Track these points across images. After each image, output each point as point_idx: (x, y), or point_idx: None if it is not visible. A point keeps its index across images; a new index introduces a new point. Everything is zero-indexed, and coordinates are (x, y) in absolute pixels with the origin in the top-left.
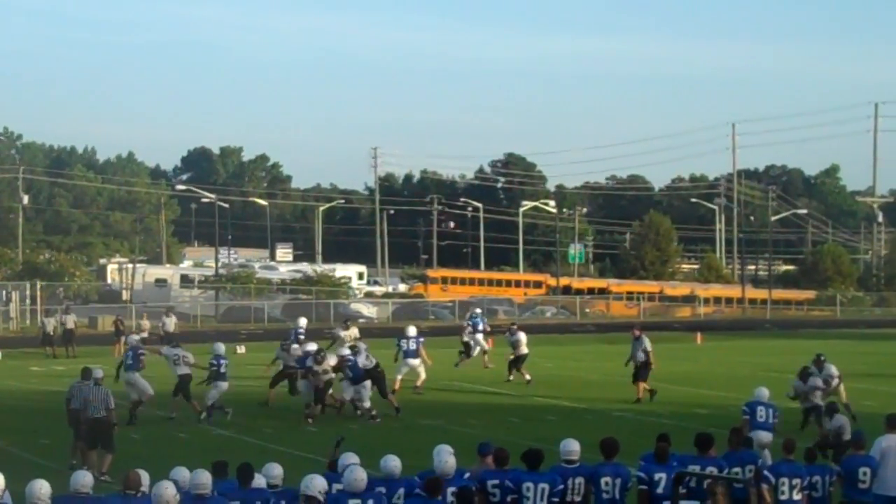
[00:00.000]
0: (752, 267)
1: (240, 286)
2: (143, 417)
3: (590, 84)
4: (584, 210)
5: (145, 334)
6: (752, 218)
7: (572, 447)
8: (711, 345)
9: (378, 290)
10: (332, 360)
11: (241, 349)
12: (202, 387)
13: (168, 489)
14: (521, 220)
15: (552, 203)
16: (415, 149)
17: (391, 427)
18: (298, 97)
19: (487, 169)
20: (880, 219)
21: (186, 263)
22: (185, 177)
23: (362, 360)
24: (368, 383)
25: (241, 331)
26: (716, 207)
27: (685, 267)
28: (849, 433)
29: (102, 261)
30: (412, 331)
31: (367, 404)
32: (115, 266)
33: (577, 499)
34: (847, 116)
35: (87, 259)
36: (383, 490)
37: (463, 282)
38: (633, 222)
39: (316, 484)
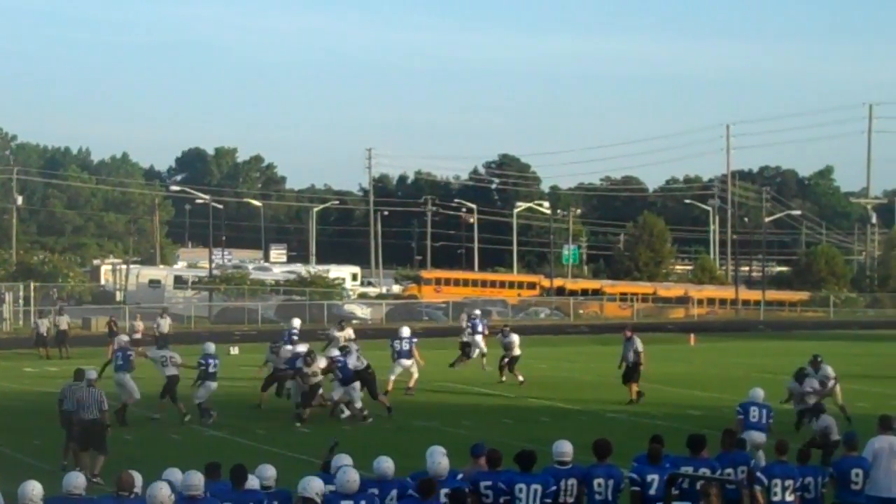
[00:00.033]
0: (746, 268)
1: (234, 287)
2: (135, 419)
3: (584, 85)
4: (578, 211)
5: (139, 335)
6: (745, 219)
7: (565, 448)
8: (705, 346)
9: (372, 291)
10: (321, 363)
11: (234, 350)
12: (191, 388)
13: (162, 490)
14: (515, 221)
15: (546, 204)
16: (409, 150)
17: (384, 428)
18: (293, 98)
19: (482, 170)
20: (874, 220)
21: (180, 264)
22: (179, 178)
23: (353, 361)
24: (358, 384)
25: (235, 332)
26: (710, 208)
27: (679, 268)
28: (836, 433)
29: (96, 262)
30: (406, 331)
31: (359, 405)
32: (109, 267)
33: (570, 500)
34: (841, 118)
35: (81, 260)
36: (376, 491)
37: (457, 283)
38: (627, 223)
39: (313, 486)
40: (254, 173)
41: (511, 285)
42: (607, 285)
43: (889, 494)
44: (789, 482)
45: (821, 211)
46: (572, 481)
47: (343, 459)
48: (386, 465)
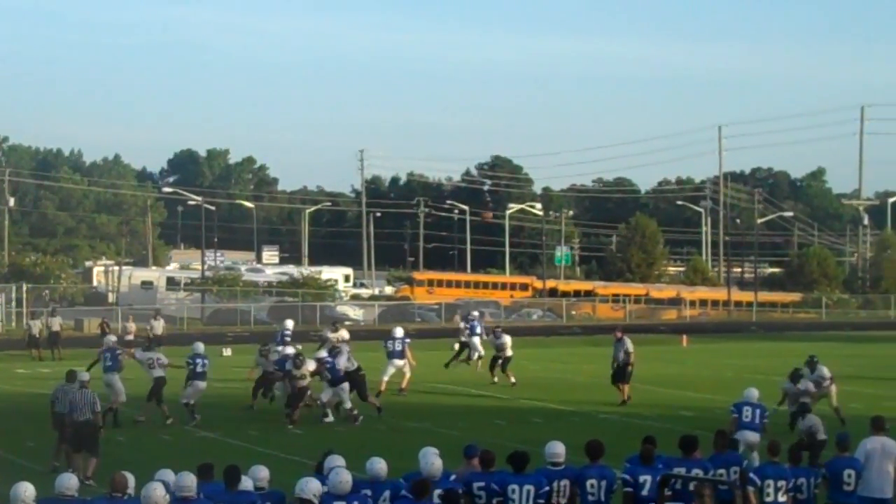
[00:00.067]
0: (738, 269)
1: (226, 289)
2: (128, 420)
3: (576, 86)
4: (571, 213)
5: (131, 336)
6: (738, 220)
7: (557, 450)
8: (697, 347)
9: (364, 292)
10: (311, 366)
11: (227, 352)
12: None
13: (157, 490)
14: (507, 222)
15: (538, 205)
16: (401, 151)
17: (377, 429)
18: (285, 99)
19: (474, 171)
20: (866, 221)
21: (173, 266)
22: (171, 179)
23: (343, 362)
24: (347, 385)
25: (228, 333)
26: (702, 210)
27: (671, 269)
28: (822, 433)
29: (88, 263)
30: (399, 332)
31: (348, 405)
32: (101, 268)
33: (563, 501)
34: (833, 119)
35: (73, 261)
36: (369, 492)
37: (449, 284)
38: (620, 225)
39: (311, 487)
40: (246, 175)
41: (503, 287)
42: (600, 287)
43: (881, 495)
44: (782, 483)
45: (813, 212)
46: (565, 482)
47: (336, 460)
48: (379, 466)
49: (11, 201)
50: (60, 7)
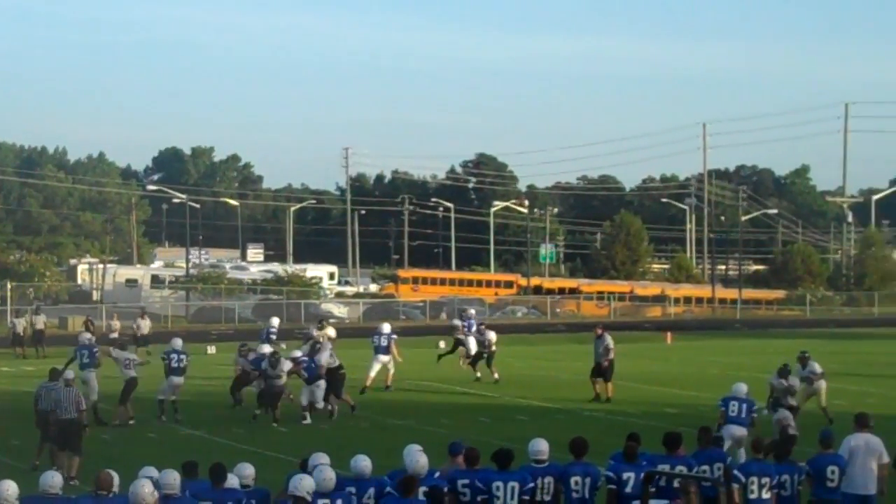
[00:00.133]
0: (723, 267)
1: (211, 286)
2: (109, 418)
3: (561, 84)
4: (555, 210)
5: (116, 335)
6: (722, 218)
7: (540, 447)
8: (681, 344)
9: (349, 290)
10: (286, 365)
11: (211, 349)
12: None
13: (145, 487)
14: (492, 220)
15: (524, 203)
16: (386, 149)
17: (361, 427)
18: (270, 97)
19: (459, 169)
20: (850, 219)
21: (157, 264)
22: (156, 177)
23: (326, 358)
24: (323, 383)
25: (212, 331)
26: (686, 207)
27: (656, 267)
28: (794, 427)
29: (73, 261)
30: (386, 328)
31: (320, 405)
32: (86, 266)
33: (547, 498)
34: (817, 117)
35: (58, 259)
36: (353, 490)
37: (434, 282)
38: (604, 222)
39: (304, 484)
40: (231, 173)
41: (488, 284)
42: (584, 284)
43: (865, 492)
44: (766, 480)
45: (797, 210)
46: (549, 479)
47: (320, 458)
48: (363, 463)
49: None
50: (44, 5)
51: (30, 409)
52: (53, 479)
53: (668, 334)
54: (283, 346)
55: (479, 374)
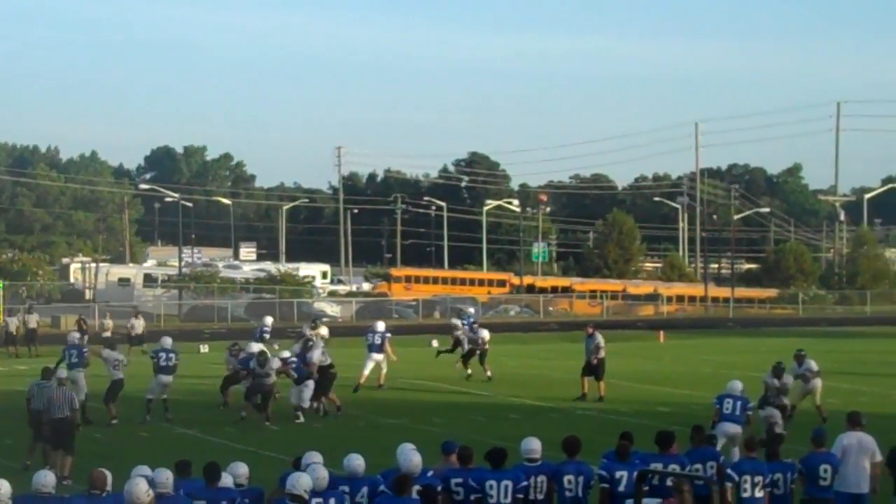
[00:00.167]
0: (715, 265)
1: (203, 285)
2: (101, 417)
3: (553, 83)
4: (548, 209)
5: (109, 334)
6: (714, 216)
7: (533, 446)
8: (674, 343)
9: (342, 289)
10: (275, 364)
11: (204, 348)
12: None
13: (140, 486)
14: (484, 219)
15: (516, 202)
16: (379, 148)
17: (354, 426)
18: (262, 96)
19: (451, 168)
20: (842, 217)
21: (150, 263)
22: (148, 176)
23: (318, 355)
24: (311, 383)
25: (205, 330)
26: (679, 206)
27: (648, 265)
28: (780, 426)
29: (65, 260)
30: (380, 326)
31: (307, 404)
32: (78, 265)
33: (540, 497)
34: (809, 116)
35: (50, 258)
36: (346, 489)
37: (426, 280)
38: (597, 221)
39: (302, 482)
40: (223, 171)
41: (481, 283)
42: (577, 283)
43: (857, 490)
44: (759, 478)
45: (789, 208)
46: (542, 478)
47: (313, 457)
48: (356, 462)
49: None
50: (36, 4)
51: (22, 409)
52: (46, 479)
53: (661, 333)
54: (276, 346)
55: (469, 372)
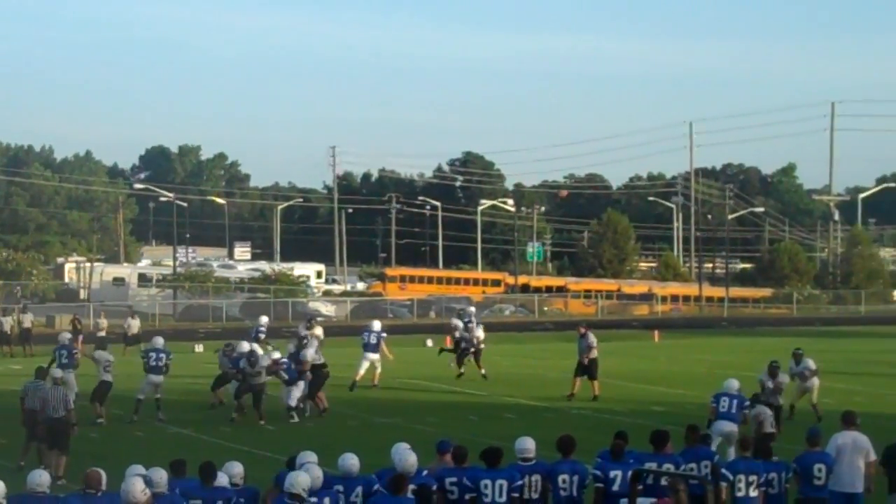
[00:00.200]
0: (710, 265)
1: (198, 285)
2: (90, 417)
3: (548, 83)
4: (542, 209)
5: (103, 333)
6: (709, 216)
7: (527, 445)
8: (669, 342)
9: (336, 288)
10: (264, 362)
11: (199, 348)
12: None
13: (136, 484)
14: (479, 218)
15: (510, 202)
16: (373, 148)
17: (349, 425)
18: (257, 96)
19: (446, 168)
20: (836, 217)
21: (144, 262)
22: (142, 175)
23: (311, 354)
24: (302, 383)
25: (200, 329)
26: (673, 206)
27: (643, 265)
28: (769, 425)
29: (60, 260)
30: (376, 325)
31: (293, 403)
32: (73, 265)
33: (535, 496)
34: (804, 115)
35: (45, 258)
36: (341, 488)
37: (421, 280)
38: (591, 221)
39: (300, 481)
40: (218, 171)
41: (475, 283)
42: (571, 282)
43: (852, 490)
44: (753, 478)
45: (784, 208)
46: (536, 477)
47: (307, 456)
48: (351, 462)
49: None
50: (31, 4)
51: (17, 408)
52: (41, 478)
53: (656, 332)
54: (270, 347)
55: (462, 371)
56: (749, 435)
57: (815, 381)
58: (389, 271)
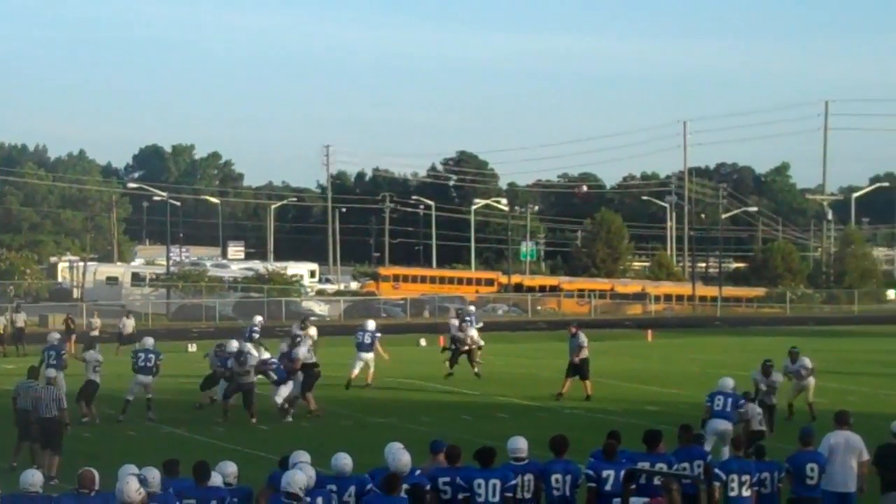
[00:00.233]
0: (703, 264)
1: (191, 284)
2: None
3: (542, 82)
4: (536, 208)
5: (96, 332)
6: (702, 215)
7: (519, 445)
8: (662, 342)
9: (330, 288)
10: (252, 361)
11: (192, 347)
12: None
13: (131, 484)
14: (472, 217)
15: (504, 201)
16: (367, 147)
17: (342, 425)
18: (251, 95)
19: (439, 167)
20: (830, 216)
21: (138, 261)
22: (136, 175)
23: (303, 352)
24: (291, 383)
25: (193, 329)
26: (667, 205)
27: (636, 264)
28: (758, 423)
29: (53, 259)
30: (371, 325)
31: (280, 400)
32: (66, 264)
33: (528, 496)
34: (797, 115)
35: (38, 257)
36: (334, 488)
37: (415, 279)
38: (585, 220)
39: (297, 480)
40: (211, 170)
41: (469, 282)
42: (565, 282)
43: (845, 489)
44: (746, 477)
45: (777, 207)
46: (529, 477)
47: (300, 456)
48: (344, 461)
49: None
50: (24, 3)
51: (9, 408)
52: (34, 478)
53: (649, 332)
54: (262, 347)
55: (451, 372)
56: (742, 435)
57: (812, 380)
58: (383, 270)
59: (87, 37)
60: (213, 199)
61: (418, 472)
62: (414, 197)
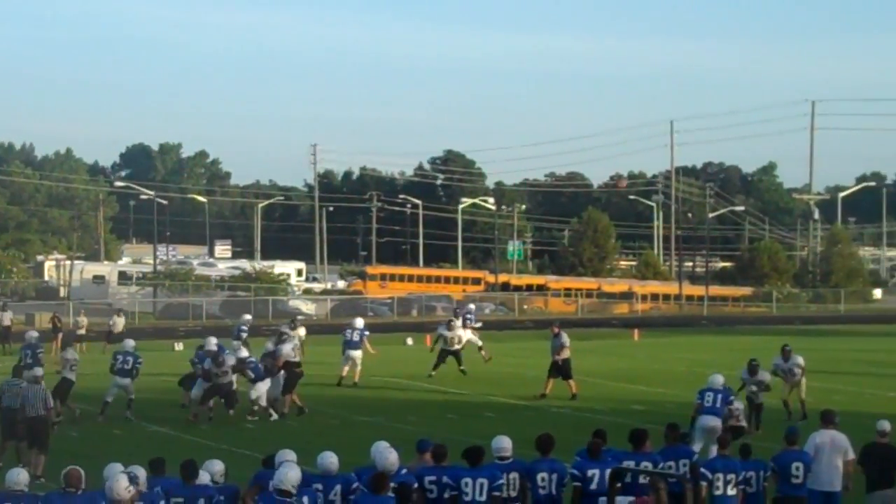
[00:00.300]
0: (690, 264)
1: (178, 283)
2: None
3: (528, 81)
4: (523, 207)
5: (83, 331)
6: (689, 215)
7: (503, 444)
8: (648, 341)
9: (317, 286)
10: (230, 361)
11: (179, 346)
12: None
13: (120, 482)
14: (460, 217)
15: (491, 200)
16: (354, 146)
17: (328, 424)
18: (238, 94)
19: (427, 166)
20: (816, 216)
21: (125, 260)
22: (123, 173)
23: (288, 349)
24: (269, 381)
25: (180, 328)
26: (654, 204)
27: (623, 264)
28: (742, 419)
29: (40, 257)
30: (359, 323)
31: (264, 402)
32: (53, 263)
33: (513, 494)
34: (784, 114)
35: (25, 256)
36: (320, 487)
37: (402, 278)
38: (572, 219)
39: (289, 477)
40: (198, 169)
41: (456, 281)
42: (552, 281)
43: (830, 488)
44: (731, 476)
45: (764, 207)
46: (514, 475)
47: (286, 455)
48: (330, 460)
49: None
50: (10, 2)
51: None
52: (19, 476)
53: (636, 331)
54: (243, 347)
55: (433, 373)
56: (727, 434)
57: (802, 381)
58: (370, 269)
59: (75, 35)
60: (200, 198)
61: (404, 471)
62: (401, 196)
